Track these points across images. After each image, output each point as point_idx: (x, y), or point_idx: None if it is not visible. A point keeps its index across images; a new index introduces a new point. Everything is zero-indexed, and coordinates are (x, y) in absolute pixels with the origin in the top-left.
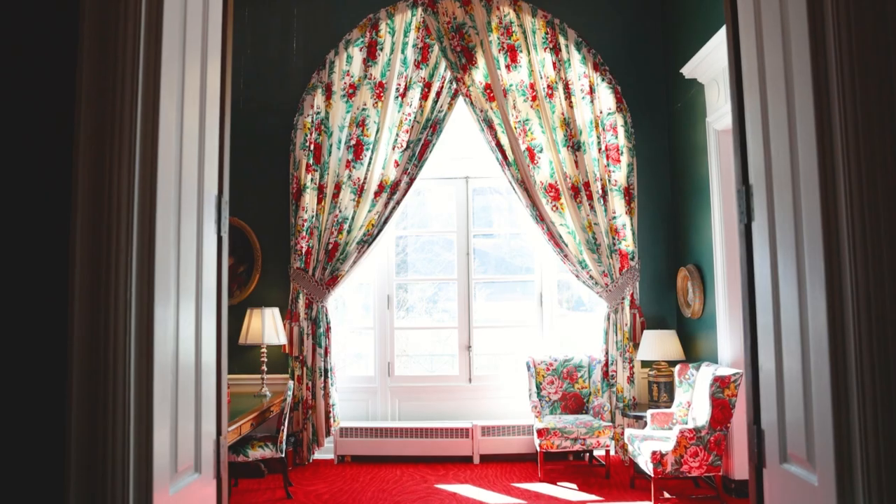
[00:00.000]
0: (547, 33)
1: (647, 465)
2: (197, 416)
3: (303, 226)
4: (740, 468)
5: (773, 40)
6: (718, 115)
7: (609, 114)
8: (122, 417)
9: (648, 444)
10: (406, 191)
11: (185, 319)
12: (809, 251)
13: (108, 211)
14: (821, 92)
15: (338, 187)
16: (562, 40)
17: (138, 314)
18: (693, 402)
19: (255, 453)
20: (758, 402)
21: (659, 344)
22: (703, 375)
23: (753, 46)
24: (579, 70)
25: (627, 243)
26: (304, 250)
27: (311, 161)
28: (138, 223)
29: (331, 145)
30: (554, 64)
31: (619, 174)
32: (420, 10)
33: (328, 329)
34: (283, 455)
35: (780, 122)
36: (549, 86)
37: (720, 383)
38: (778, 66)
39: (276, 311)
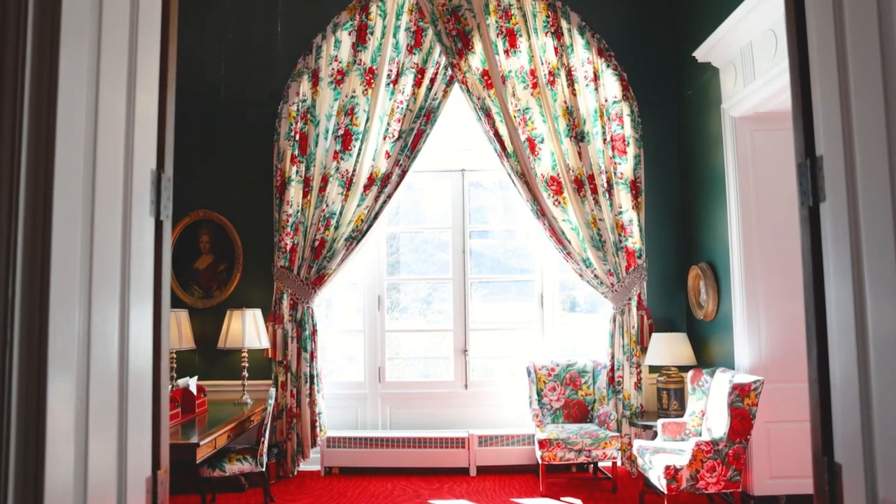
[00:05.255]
0: (548, 17)
1: (659, 481)
2: (121, 444)
3: (287, 221)
4: (760, 484)
5: None
6: (735, 100)
7: (614, 102)
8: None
9: (661, 457)
10: (398, 184)
11: (104, 321)
12: None
13: None
14: None
15: (325, 180)
16: (564, 24)
17: (27, 319)
18: (708, 411)
19: (233, 467)
20: (829, 427)
21: (668, 348)
22: (719, 382)
23: None
24: (582, 56)
25: (634, 240)
26: (288, 247)
27: (296, 152)
28: (26, 204)
29: (317, 135)
30: (556, 49)
31: (626, 166)
32: None
33: (314, 332)
34: (264, 469)
35: (868, 72)
36: (550, 72)
37: (739, 391)
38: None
39: (258, 312)
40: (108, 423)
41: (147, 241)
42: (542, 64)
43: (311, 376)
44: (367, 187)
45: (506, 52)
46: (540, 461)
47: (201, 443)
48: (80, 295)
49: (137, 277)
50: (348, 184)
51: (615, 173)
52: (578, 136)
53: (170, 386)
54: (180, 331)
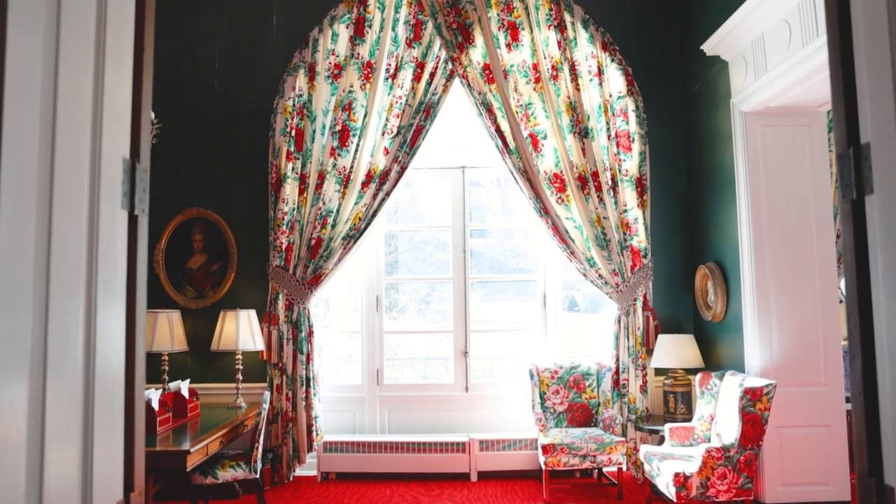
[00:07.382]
0: (551, 9)
1: (668, 489)
2: (86, 463)
3: (283, 219)
4: (772, 491)
5: None
6: (745, 95)
7: (619, 97)
8: None
9: (669, 463)
10: (396, 181)
11: (65, 323)
12: None
13: None
14: None
15: (321, 177)
16: (567, 17)
17: None
18: (717, 415)
19: (226, 474)
20: (876, 444)
21: (675, 350)
22: (729, 386)
23: None
24: (586, 50)
25: (640, 239)
26: (284, 246)
27: (292, 148)
28: None
29: (314, 131)
30: (559, 43)
31: (631, 163)
32: None
33: (310, 333)
34: (258, 475)
35: None
36: (553, 67)
37: (751, 396)
38: None
39: (252, 313)
40: (70, 438)
41: (119, 236)
42: (545, 58)
43: (308, 379)
44: (364, 184)
45: (507, 45)
46: (543, 467)
47: (192, 449)
48: (33, 295)
49: (107, 275)
50: (346, 181)
51: (620, 170)
52: (582, 133)
53: (161, 390)
54: (172, 332)
